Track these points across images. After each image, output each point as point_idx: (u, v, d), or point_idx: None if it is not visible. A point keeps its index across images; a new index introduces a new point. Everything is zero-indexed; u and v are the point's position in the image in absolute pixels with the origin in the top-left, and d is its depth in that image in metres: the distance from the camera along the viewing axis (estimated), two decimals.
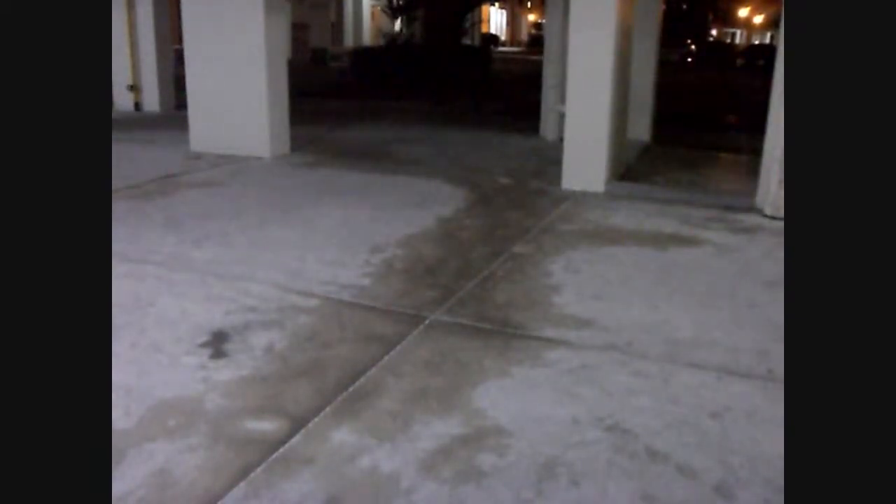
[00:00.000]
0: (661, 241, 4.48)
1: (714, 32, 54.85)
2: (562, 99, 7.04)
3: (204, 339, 2.91)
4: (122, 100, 10.09)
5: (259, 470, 2.07)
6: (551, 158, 6.78)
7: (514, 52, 40.11)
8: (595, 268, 3.93)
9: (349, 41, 33.46)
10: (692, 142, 8.73)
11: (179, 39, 7.37)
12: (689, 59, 34.62)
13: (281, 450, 2.17)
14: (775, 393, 2.59)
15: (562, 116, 6.58)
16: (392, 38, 19.56)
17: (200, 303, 3.28)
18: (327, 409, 2.41)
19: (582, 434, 2.29)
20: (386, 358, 2.78)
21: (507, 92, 14.14)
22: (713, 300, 3.49)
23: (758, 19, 58.84)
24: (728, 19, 58.14)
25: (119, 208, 4.81)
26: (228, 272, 3.69)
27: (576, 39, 5.72)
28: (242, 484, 2.01)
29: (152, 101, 10.21)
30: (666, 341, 3.01)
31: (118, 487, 1.97)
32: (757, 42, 54.04)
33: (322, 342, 2.93)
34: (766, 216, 5.08)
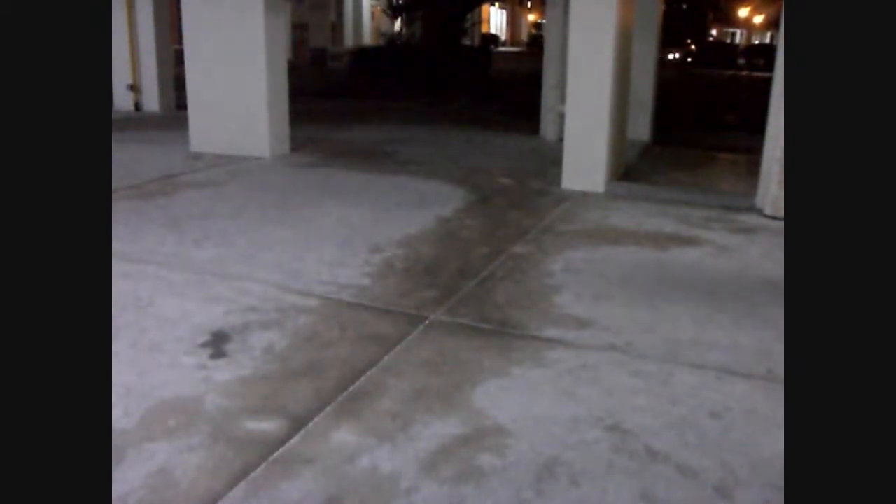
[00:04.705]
0: (661, 241, 4.48)
1: (714, 32, 54.86)
2: (562, 99, 7.04)
3: (204, 339, 2.91)
4: (122, 100, 10.09)
5: (259, 470, 2.07)
6: (551, 158, 6.79)
7: (514, 52, 40.10)
8: (595, 268, 3.93)
9: (349, 41, 33.44)
10: (692, 142, 8.74)
11: (179, 39, 7.37)
12: (689, 59, 34.53)
13: (281, 450, 2.17)
14: (775, 393, 2.59)
15: (562, 116, 6.58)
16: (392, 39, 19.56)
17: (200, 303, 3.27)
18: (327, 408, 2.40)
19: (582, 434, 2.29)
20: (386, 358, 2.78)
21: (506, 92, 14.14)
22: (713, 300, 3.49)
23: (758, 19, 58.83)
24: (728, 19, 58.14)
25: (119, 208, 4.81)
26: (228, 272, 3.69)
27: (576, 39, 5.72)
28: (242, 484, 2.01)
29: (152, 101, 10.22)
30: (666, 341, 3.01)
31: (118, 487, 1.97)
32: (757, 42, 54.03)
33: (322, 342, 2.93)
34: (766, 216, 5.08)
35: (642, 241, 4.48)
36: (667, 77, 15.15)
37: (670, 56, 32.54)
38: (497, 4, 50.31)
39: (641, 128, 8.29)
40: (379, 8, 30.27)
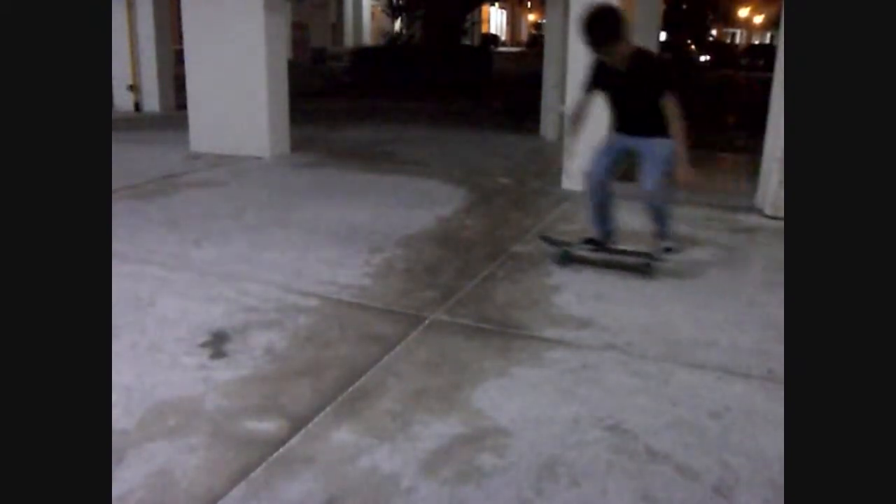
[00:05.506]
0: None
1: (714, 32, 54.81)
2: (562, 99, 7.04)
3: (204, 339, 2.91)
4: (122, 100, 10.09)
5: (259, 470, 2.07)
6: (551, 158, 6.78)
7: (514, 52, 40.11)
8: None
9: (349, 41, 33.43)
10: (692, 142, 8.72)
11: (179, 39, 7.37)
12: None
13: (281, 450, 2.17)
14: (775, 393, 2.59)
15: (562, 116, 6.58)
16: (392, 39, 19.58)
17: (200, 303, 3.27)
18: (327, 409, 2.40)
19: (582, 434, 2.29)
20: (386, 358, 2.78)
21: (506, 92, 14.13)
22: (713, 300, 3.49)
23: (758, 19, 58.83)
24: (728, 19, 58.11)
25: (119, 208, 4.81)
26: (228, 272, 3.69)
27: (576, 39, 5.71)
28: (242, 484, 2.01)
29: (152, 101, 10.22)
30: (666, 341, 3.01)
31: (118, 487, 1.97)
32: (757, 42, 54.01)
33: (322, 342, 2.93)
34: (766, 216, 5.07)
35: (642, 240, 4.47)
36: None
37: (702, 58, 32.48)
38: (497, 4, 50.30)
39: None
40: (379, 8, 30.26)
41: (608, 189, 3.90)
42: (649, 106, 3.62)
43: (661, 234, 3.98)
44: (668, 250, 3.97)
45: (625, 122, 3.87)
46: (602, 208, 3.95)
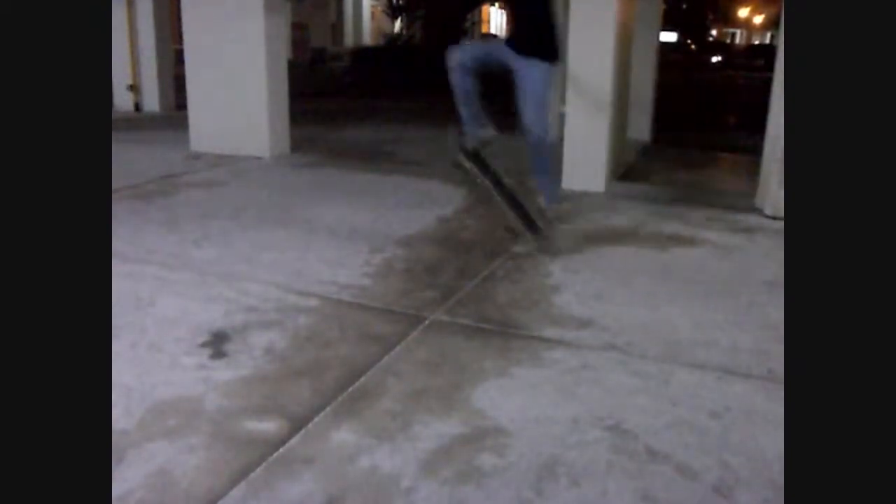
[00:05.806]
0: (661, 241, 4.48)
1: (714, 32, 54.76)
2: (562, 99, 7.04)
3: (204, 339, 2.91)
4: (122, 100, 10.08)
5: (259, 470, 2.07)
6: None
7: None
8: (595, 268, 3.92)
9: (349, 41, 33.41)
10: (692, 142, 8.73)
11: (179, 39, 7.37)
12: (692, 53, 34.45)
13: (281, 450, 2.17)
14: (775, 393, 2.59)
15: (562, 116, 6.58)
16: (392, 39, 19.59)
17: (200, 303, 3.27)
18: (327, 409, 2.41)
19: (582, 434, 2.29)
20: (386, 358, 2.78)
21: (506, 92, 14.13)
22: (713, 300, 3.49)
23: (758, 19, 58.81)
24: (728, 19, 58.08)
25: (119, 208, 4.81)
26: (228, 272, 3.69)
27: (576, 39, 5.72)
28: (242, 484, 2.01)
29: (152, 101, 10.21)
30: (666, 341, 3.01)
31: (118, 487, 1.97)
32: (757, 42, 54.03)
33: (322, 342, 2.93)
34: (766, 216, 5.08)
35: (642, 240, 4.48)
36: (709, 79, 15.02)
37: (714, 59, 32.64)
38: (497, 4, 50.26)
39: (641, 128, 8.28)
40: (379, 8, 30.27)
41: (472, 72, 4.05)
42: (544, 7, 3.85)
43: (545, 188, 4.13)
44: (541, 235, 4.06)
45: (516, 30, 4.10)
46: (469, 95, 4.15)
